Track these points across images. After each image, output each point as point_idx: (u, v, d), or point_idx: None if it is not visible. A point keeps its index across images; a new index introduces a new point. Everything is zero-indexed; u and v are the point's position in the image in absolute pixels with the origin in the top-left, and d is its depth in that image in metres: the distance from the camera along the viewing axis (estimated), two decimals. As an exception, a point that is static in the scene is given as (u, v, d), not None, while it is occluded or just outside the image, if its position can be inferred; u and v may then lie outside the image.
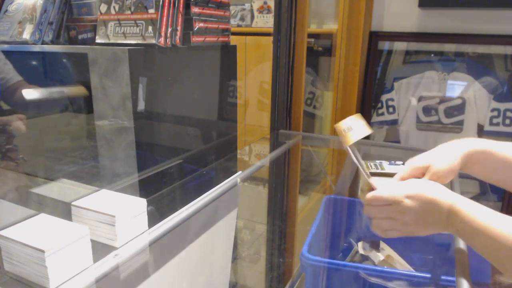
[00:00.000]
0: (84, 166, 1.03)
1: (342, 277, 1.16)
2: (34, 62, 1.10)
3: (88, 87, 0.89)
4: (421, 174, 0.75)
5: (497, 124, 1.86)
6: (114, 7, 0.92)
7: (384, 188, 0.72)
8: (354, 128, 0.80)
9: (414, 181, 0.73)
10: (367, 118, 2.09)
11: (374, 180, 0.76)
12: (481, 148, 0.75)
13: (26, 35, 1.00)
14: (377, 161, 0.91)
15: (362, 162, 0.84)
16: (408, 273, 1.15)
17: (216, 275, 1.02)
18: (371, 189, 0.74)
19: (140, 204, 0.67)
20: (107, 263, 0.60)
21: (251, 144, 2.26)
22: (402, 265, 1.30)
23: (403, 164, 0.84)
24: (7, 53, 1.08)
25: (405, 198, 0.68)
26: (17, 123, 1.06)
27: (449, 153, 0.76)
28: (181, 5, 0.93)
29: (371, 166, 0.87)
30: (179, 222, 0.74)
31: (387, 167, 0.87)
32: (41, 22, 0.99)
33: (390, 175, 0.82)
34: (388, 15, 2.05)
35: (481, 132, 1.89)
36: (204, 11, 1.01)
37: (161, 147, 0.99)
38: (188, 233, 0.83)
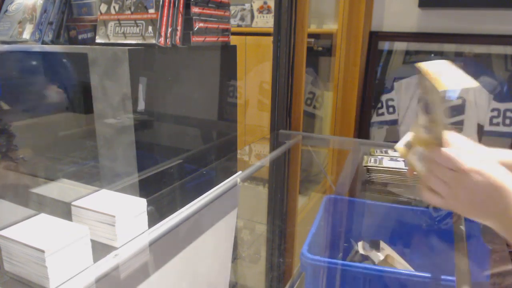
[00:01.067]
0: (84, 166, 1.03)
1: (342, 277, 1.16)
2: (34, 62, 1.10)
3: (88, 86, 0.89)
4: None
5: (497, 124, 1.86)
6: (114, 7, 0.92)
7: (459, 151, 0.63)
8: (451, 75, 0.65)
9: (491, 158, 0.63)
10: (367, 118, 2.10)
11: (451, 136, 0.65)
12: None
13: (26, 35, 1.00)
14: (379, 157, 0.92)
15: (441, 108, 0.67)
16: (408, 273, 1.15)
17: (216, 275, 1.02)
18: (439, 142, 0.66)
19: (140, 204, 0.67)
20: (107, 263, 0.60)
21: (251, 144, 2.26)
22: (402, 265, 1.30)
23: (404, 161, 0.85)
24: (7, 53, 1.07)
25: (474, 172, 0.60)
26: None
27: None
28: (181, 5, 0.93)
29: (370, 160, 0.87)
30: (179, 222, 0.74)
31: (386, 163, 0.88)
32: (41, 22, 0.99)
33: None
34: (388, 15, 2.05)
35: (481, 132, 1.89)
36: (204, 11, 1.01)
37: (161, 147, 0.99)
38: (188, 233, 0.83)
